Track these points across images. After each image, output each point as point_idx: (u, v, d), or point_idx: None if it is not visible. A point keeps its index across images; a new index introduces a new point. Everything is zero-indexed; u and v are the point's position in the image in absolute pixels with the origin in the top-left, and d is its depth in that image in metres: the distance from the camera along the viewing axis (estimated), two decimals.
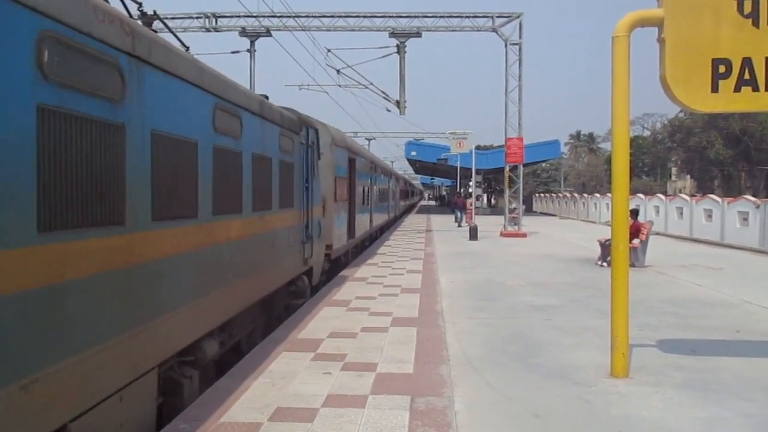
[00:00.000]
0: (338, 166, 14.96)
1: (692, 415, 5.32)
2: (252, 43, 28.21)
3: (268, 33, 27.68)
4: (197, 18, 27.80)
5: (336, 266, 15.09)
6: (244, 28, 27.96)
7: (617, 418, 5.25)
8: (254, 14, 26.48)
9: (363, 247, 21.26)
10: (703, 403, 5.62)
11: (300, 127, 10.23)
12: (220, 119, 6.31)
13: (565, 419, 5.25)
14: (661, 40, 6.25)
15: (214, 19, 27.99)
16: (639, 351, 7.24)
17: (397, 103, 26.19)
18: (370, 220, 22.68)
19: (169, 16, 27.99)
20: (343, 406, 5.44)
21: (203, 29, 27.72)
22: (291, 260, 9.52)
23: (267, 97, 9.07)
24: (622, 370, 6.38)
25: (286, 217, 9.15)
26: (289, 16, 26.42)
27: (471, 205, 33.66)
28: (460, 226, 32.25)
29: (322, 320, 9.13)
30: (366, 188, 21.20)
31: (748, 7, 6.12)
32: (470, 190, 40.28)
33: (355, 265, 15.89)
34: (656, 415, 5.33)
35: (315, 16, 27.67)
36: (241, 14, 27.31)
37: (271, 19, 27.32)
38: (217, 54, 38.04)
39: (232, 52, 27.98)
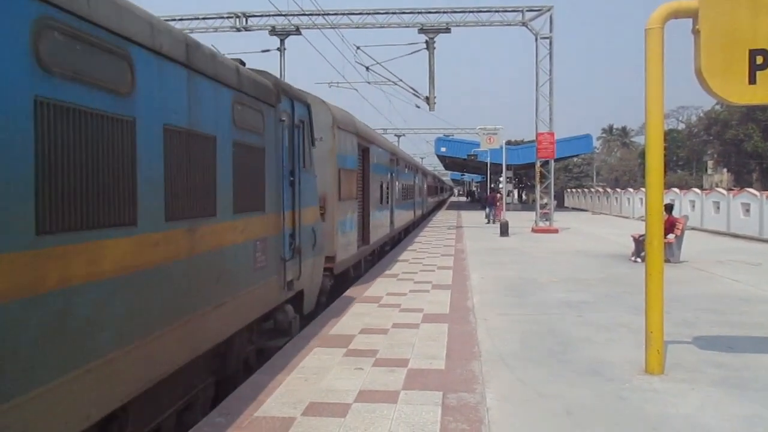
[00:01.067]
0: (344, 156, 11.72)
1: (730, 413, 5.23)
2: (282, 41, 28.41)
3: (297, 31, 27.85)
4: (228, 18, 28.10)
5: (345, 280, 12.20)
6: (273, 27, 28.18)
7: (652, 416, 5.18)
8: (284, 13, 26.66)
9: (382, 252, 18.21)
10: (741, 401, 5.51)
11: (277, 97, 7.10)
12: (67, 53, 3.40)
13: (598, 416, 5.21)
14: (695, 32, 6.14)
15: (244, 19, 28.26)
16: (674, 348, 7.13)
17: (427, 99, 26.10)
18: (391, 221, 19.36)
19: (200, 16, 28.42)
20: (375, 402, 5.48)
21: (234, 29, 28.00)
22: (261, 289, 6.51)
23: (243, 64, 6.69)
24: (657, 367, 6.29)
25: (251, 225, 6.20)
26: (319, 14, 26.53)
27: (500, 200, 33.51)
28: (489, 222, 32.05)
29: (354, 317, 9.18)
30: (385, 184, 17.77)
31: None
32: (500, 186, 40.05)
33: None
34: (693, 412, 5.25)
35: (344, 14, 27.74)
36: (271, 13, 27.50)
37: (300, 17, 27.47)
38: (248, 53, 38.44)
39: (262, 51, 28.21)
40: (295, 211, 7.55)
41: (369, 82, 27.91)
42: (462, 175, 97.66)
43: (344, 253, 11.57)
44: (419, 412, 5.20)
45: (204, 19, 28.20)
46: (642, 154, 76.33)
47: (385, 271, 14.15)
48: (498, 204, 33.22)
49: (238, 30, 28.11)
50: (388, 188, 18.22)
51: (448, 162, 64.43)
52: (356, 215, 13.01)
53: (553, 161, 27.90)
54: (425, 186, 39.08)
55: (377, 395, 5.65)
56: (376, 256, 16.79)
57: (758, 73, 6.01)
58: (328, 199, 10.58)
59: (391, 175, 19.36)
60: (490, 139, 27.41)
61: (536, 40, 26.61)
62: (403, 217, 23.62)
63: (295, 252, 7.54)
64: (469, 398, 5.56)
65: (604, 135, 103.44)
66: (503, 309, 9.77)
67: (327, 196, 10.47)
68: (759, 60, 6.00)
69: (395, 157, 20.78)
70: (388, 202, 18.22)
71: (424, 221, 35.02)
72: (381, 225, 16.68)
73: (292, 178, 7.49)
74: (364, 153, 14.31)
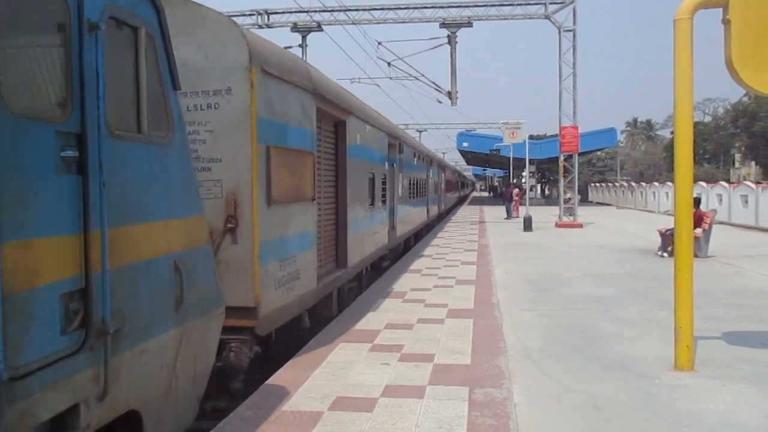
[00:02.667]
0: (281, 126, 6.74)
1: (763, 410, 5.14)
2: (304, 38, 28.54)
3: (319, 28, 27.93)
4: (250, 15, 28.28)
5: (291, 338, 7.48)
6: (295, 24, 28.30)
7: (683, 412, 5.12)
8: (305, 9, 26.77)
9: (382, 268, 13.97)
10: None
11: None
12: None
13: (627, 412, 5.16)
14: (726, 21, 6.02)
15: (266, 16, 28.44)
16: (704, 343, 7.03)
17: (449, 93, 26.01)
18: (392, 227, 14.79)
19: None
20: (401, 396, 5.48)
21: (256, 26, 28.15)
22: None
23: None
24: (687, 363, 6.21)
25: None
26: (340, 10, 26.60)
27: (518, 196, 33.15)
28: (508, 218, 31.71)
29: (379, 312, 9.19)
30: (379, 177, 12.84)
31: None
32: (523, 180, 39.78)
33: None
34: (724, 408, 5.18)
35: (365, 9, 27.73)
36: (293, 10, 27.66)
37: (321, 13, 27.57)
38: None
39: (285, 48, 28.38)
40: (89, 235, 3.06)
41: (390, 78, 27.94)
42: (484, 170, 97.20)
43: (283, 295, 6.59)
44: (446, 407, 5.20)
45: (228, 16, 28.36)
46: (667, 148, 75.42)
47: (410, 267, 14.09)
48: (516, 199, 32.93)
49: (261, 27, 28.24)
50: (384, 183, 13.46)
51: (470, 157, 64.16)
52: (315, 226, 7.90)
53: (576, 155, 27.64)
54: (443, 180, 33.79)
55: (403, 390, 5.66)
56: (365, 278, 12.01)
57: None
58: (240, 202, 5.90)
59: (392, 165, 14.61)
60: (513, 133, 27.21)
61: (559, 33, 26.34)
62: (412, 219, 19.02)
63: (92, 334, 3.04)
64: (496, 393, 5.54)
65: (628, 128, 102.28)
66: (528, 304, 9.71)
67: (239, 195, 5.89)
68: None
69: (397, 141, 15.39)
70: (385, 202, 13.60)
71: (441, 222, 30.51)
72: (372, 234, 11.91)
73: (71, 155, 2.97)
74: (337, 128, 9.39)
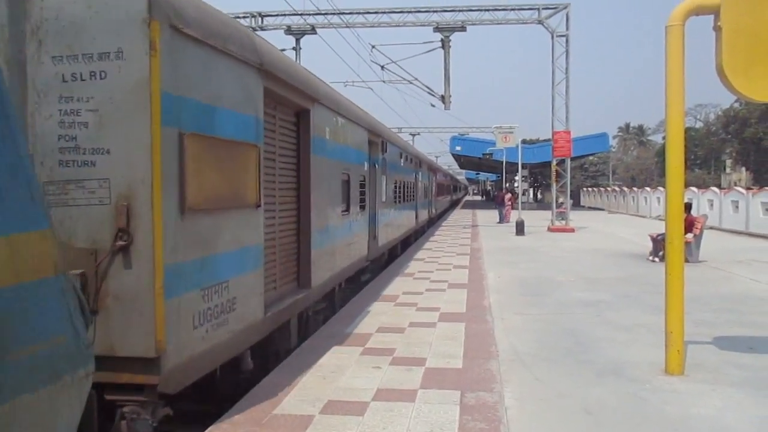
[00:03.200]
0: (200, 107, 4.97)
1: (753, 414, 5.16)
2: (297, 41, 28.51)
3: (313, 31, 27.93)
4: (244, 17, 28.25)
5: (218, 390, 5.92)
6: (289, 27, 28.29)
7: (673, 416, 5.13)
8: (299, 12, 26.75)
9: (361, 282, 12.29)
10: (764, 402, 5.44)
11: None
12: None
13: (618, 416, 5.17)
14: (717, 28, 6.06)
15: (260, 19, 28.45)
16: (695, 348, 7.06)
17: (442, 98, 26.06)
18: (373, 236, 13.02)
19: None
20: (393, 400, 5.47)
21: (249, 28, 28.15)
22: None
23: None
24: (678, 368, 6.24)
25: None
26: (334, 13, 26.60)
27: (510, 200, 33.23)
28: (500, 222, 31.81)
29: (371, 315, 9.18)
30: (357, 180, 11.10)
31: None
32: (515, 185, 39.86)
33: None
34: (714, 413, 5.20)
35: (359, 13, 27.78)
36: (287, 13, 27.64)
37: (316, 17, 27.56)
38: None
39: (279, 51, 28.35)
40: None
41: (384, 81, 27.96)
42: (477, 174, 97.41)
43: (207, 335, 4.96)
44: (437, 411, 5.19)
45: None
46: (659, 153, 75.77)
47: (402, 270, 14.05)
48: (507, 203, 33.03)
49: (254, 30, 28.20)
50: (363, 186, 11.79)
51: (463, 161, 64.31)
52: (261, 239, 6.11)
53: (569, 160, 27.74)
54: (434, 183, 32.02)
55: (395, 394, 5.65)
56: (338, 298, 10.19)
57: None
58: (135, 210, 4.33)
59: (373, 165, 12.96)
60: (505, 137, 27.25)
61: (552, 38, 26.46)
62: (398, 225, 17.44)
63: None
64: (488, 397, 5.54)
65: (620, 133, 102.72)
66: (520, 308, 9.72)
67: (133, 201, 4.33)
68: None
69: (380, 139, 13.63)
70: (364, 208, 11.83)
71: (432, 227, 29.64)
72: (347, 245, 10.14)
73: None
74: (300, 119, 7.71)
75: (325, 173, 8.57)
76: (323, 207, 8.42)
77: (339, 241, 9.54)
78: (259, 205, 5.92)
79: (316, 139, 8.03)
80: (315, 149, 7.98)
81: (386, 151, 14.73)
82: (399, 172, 17.55)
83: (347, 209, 10.20)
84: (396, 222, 17.07)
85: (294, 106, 7.41)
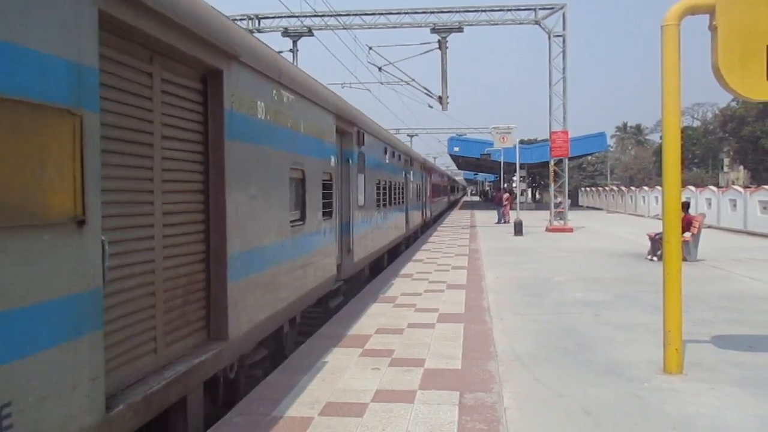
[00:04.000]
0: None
1: (751, 413, 5.17)
2: (294, 43, 28.53)
3: (310, 32, 27.95)
4: (240, 20, 28.23)
5: None
6: (286, 29, 28.30)
7: (672, 415, 5.14)
8: (296, 14, 26.77)
9: (330, 310, 9.78)
10: (763, 401, 5.45)
11: None
12: None
13: (617, 416, 5.17)
14: (712, 28, 6.08)
15: (257, 21, 28.43)
16: (693, 347, 7.07)
17: (440, 99, 26.10)
18: (347, 249, 10.87)
19: None
20: (392, 401, 5.47)
21: (247, 31, 28.17)
22: None
23: None
24: (676, 367, 6.24)
25: None
26: (331, 15, 26.61)
27: (508, 200, 33.28)
28: (499, 222, 31.90)
29: (370, 317, 9.18)
30: (317, 178, 8.44)
31: None
32: (514, 185, 39.90)
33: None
34: (713, 412, 5.20)
35: (356, 14, 27.79)
36: (284, 15, 27.65)
37: (312, 18, 27.58)
38: None
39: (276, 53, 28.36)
40: None
41: (381, 83, 28.03)
42: (475, 174, 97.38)
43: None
44: (436, 412, 5.19)
45: None
46: (657, 152, 75.85)
47: (401, 271, 14.04)
48: (505, 203, 33.08)
49: (251, 32, 28.22)
50: (329, 187, 9.25)
51: (461, 161, 64.30)
52: (94, 278, 3.38)
53: (567, 160, 27.75)
54: (428, 184, 29.49)
55: (394, 395, 5.65)
56: (289, 340, 7.64)
57: None
58: None
59: (346, 161, 10.78)
60: (503, 138, 27.28)
61: (549, 38, 26.48)
62: (383, 234, 15.06)
63: None
64: (486, 398, 5.55)
65: (618, 133, 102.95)
66: (519, 309, 9.73)
67: None
68: None
69: (355, 128, 11.24)
70: (331, 215, 9.31)
71: (426, 232, 27.40)
72: (301, 267, 7.58)
73: None
74: (208, 85, 5.24)
75: (257, 168, 6.06)
76: (253, 216, 5.94)
77: (286, 264, 6.97)
78: (83, 221, 3.32)
79: (235, 116, 5.49)
80: (234, 132, 5.44)
81: (363, 144, 12.05)
82: (383, 170, 15.11)
83: (301, 218, 7.67)
84: (380, 230, 14.64)
85: (196, 62, 4.92)
